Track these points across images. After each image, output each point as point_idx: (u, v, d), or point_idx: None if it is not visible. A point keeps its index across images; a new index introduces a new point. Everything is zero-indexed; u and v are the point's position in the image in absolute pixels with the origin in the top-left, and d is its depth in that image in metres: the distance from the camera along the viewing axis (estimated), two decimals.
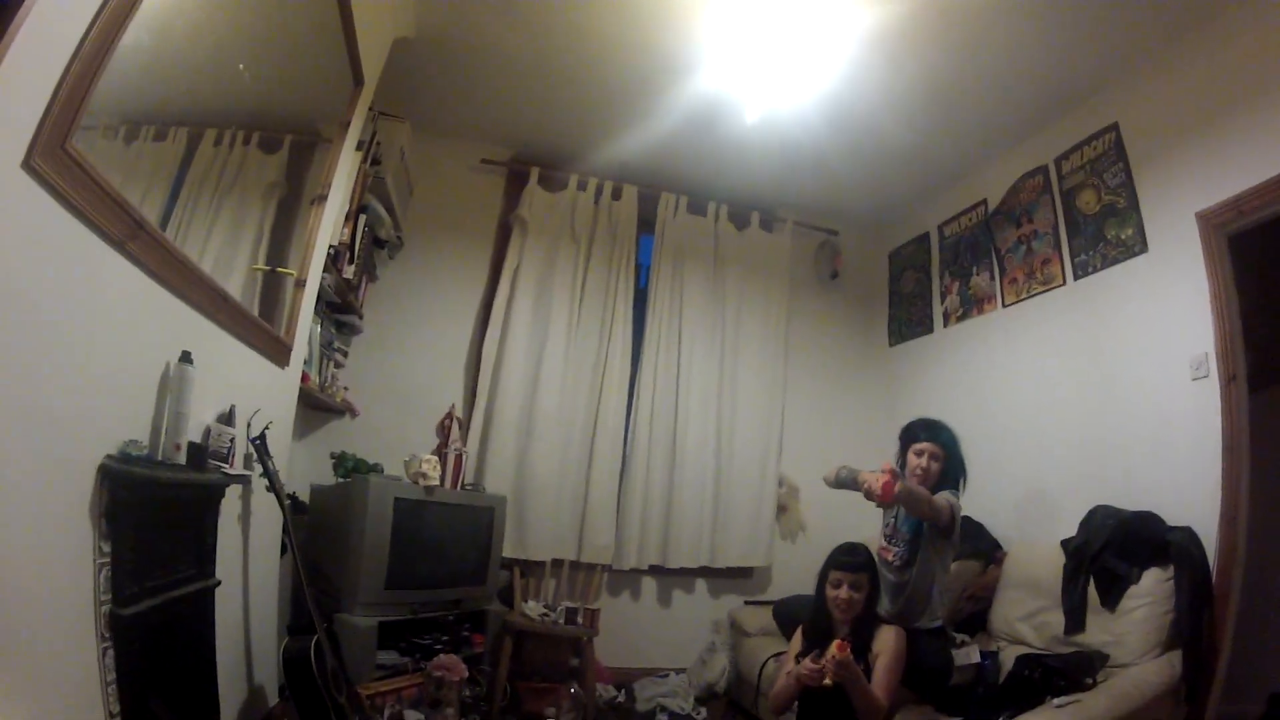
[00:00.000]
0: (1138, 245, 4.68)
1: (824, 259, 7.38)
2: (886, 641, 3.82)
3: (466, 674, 3.97)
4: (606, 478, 6.29)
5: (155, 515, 2.48)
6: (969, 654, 4.32)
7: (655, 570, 6.43)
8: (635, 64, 5.10)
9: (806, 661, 3.61)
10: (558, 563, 6.06)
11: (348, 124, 4.32)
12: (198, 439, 2.85)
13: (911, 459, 4.58)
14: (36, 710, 1.91)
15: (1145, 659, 3.76)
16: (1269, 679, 4.68)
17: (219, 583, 3.05)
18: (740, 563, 6.56)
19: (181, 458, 2.61)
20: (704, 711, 5.52)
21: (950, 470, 4.54)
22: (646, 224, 6.83)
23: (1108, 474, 4.68)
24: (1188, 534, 3.95)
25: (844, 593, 3.84)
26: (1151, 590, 3.87)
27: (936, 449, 4.52)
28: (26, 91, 1.75)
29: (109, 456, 2.22)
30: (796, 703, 3.88)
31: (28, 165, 1.74)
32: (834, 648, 3.51)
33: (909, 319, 7.06)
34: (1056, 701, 3.41)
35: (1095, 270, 4.98)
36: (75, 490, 2.10)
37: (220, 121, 2.98)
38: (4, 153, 1.70)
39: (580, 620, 5.32)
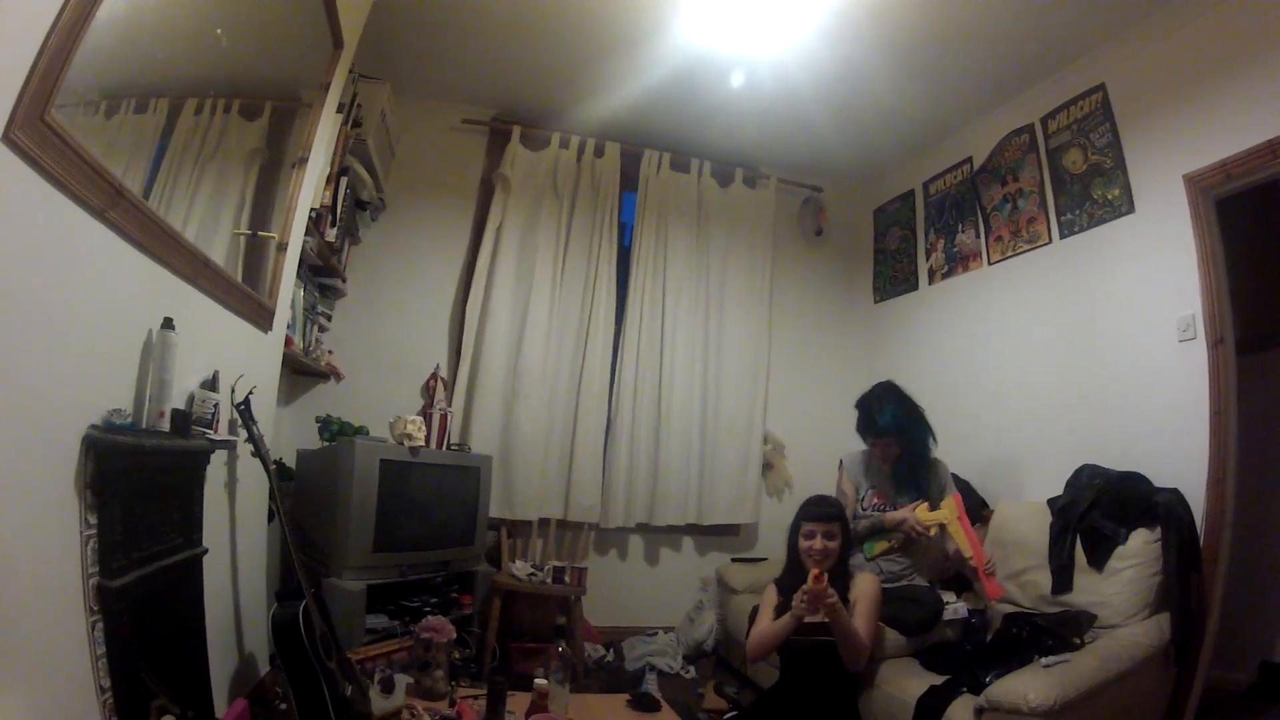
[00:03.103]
0: (1124, 205, 4.68)
1: (808, 216, 7.36)
2: (863, 588, 3.90)
3: (455, 635, 3.96)
4: (592, 436, 6.31)
5: (141, 484, 2.46)
6: (956, 609, 4.36)
7: (642, 528, 6.48)
8: (616, 19, 5.03)
9: (799, 595, 3.65)
10: (545, 522, 6.05)
11: (328, 86, 4.24)
12: (182, 406, 2.83)
13: (880, 450, 4.80)
14: (28, 686, 1.90)
15: (1133, 621, 3.80)
16: (1259, 645, 4.74)
17: (206, 551, 3.02)
18: (727, 520, 6.60)
19: (166, 425, 2.57)
20: (692, 669, 5.55)
21: (912, 443, 4.73)
22: (629, 181, 6.79)
23: (1094, 433, 4.71)
24: (1175, 495, 3.96)
25: (818, 543, 3.90)
26: (1139, 551, 3.89)
27: (889, 439, 4.70)
28: (4, 65, 1.72)
29: (93, 426, 2.19)
30: (779, 656, 3.93)
31: (6, 138, 1.71)
32: (810, 580, 3.56)
33: (894, 276, 7.05)
34: (1045, 661, 3.43)
35: (1081, 229, 4.98)
36: (60, 462, 2.07)
37: (200, 90, 2.93)
38: None
39: (568, 579, 5.34)
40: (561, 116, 6.47)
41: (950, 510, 4.36)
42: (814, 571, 3.64)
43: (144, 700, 2.36)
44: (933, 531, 4.41)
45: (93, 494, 2.19)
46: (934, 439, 4.78)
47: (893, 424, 4.67)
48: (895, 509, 4.59)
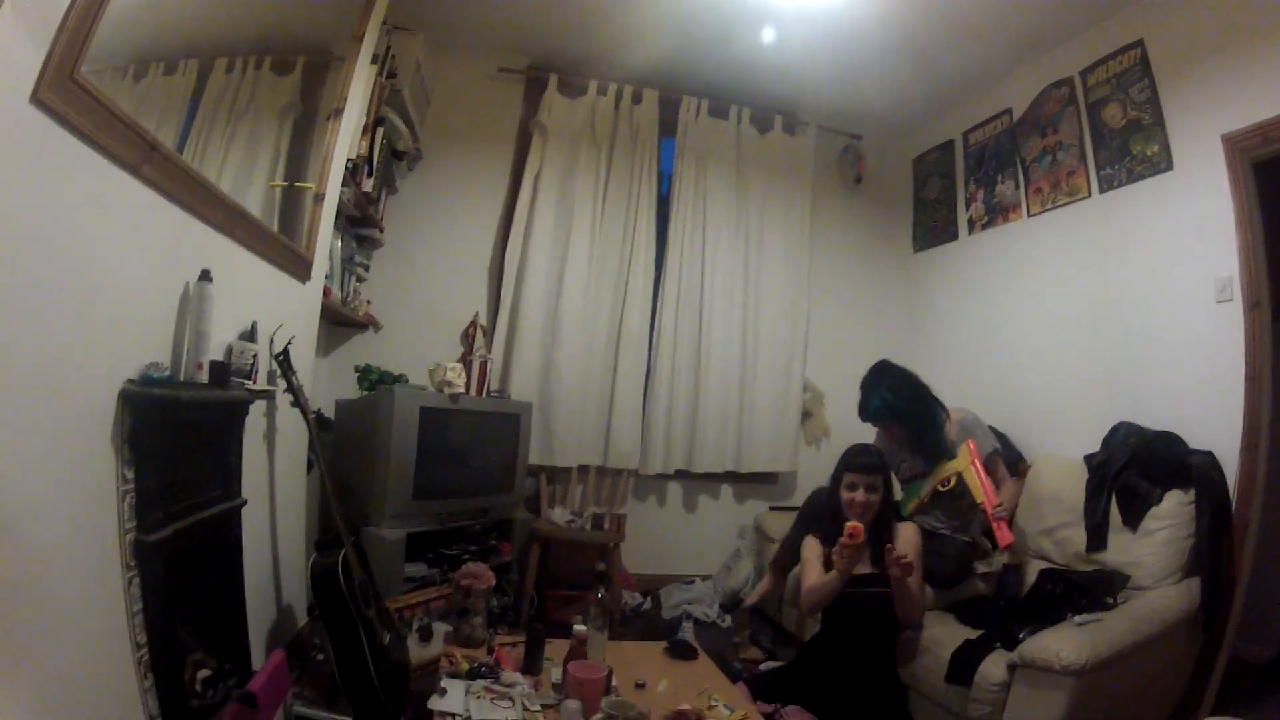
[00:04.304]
0: (1163, 162, 4.59)
1: (847, 163, 7.27)
2: (909, 541, 3.85)
3: (494, 582, 3.99)
4: (632, 383, 6.33)
5: (178, 437, 2.47)
6: (991, 562, 4.36)
7: (681, 475, 6.51)
8: None
9: (836, 551, 3.66)
10: (584, 469, 6.13)
11: (361, 38, 4.21)
12: (220, 357, 2.85)
13: (884, 432, 4.91)
14: (63, 642, 1.94)
15: (1165, 583, 3.79)
16: None
17: (245, 502, 3.06)
18: (765, 468, 6.63)
19: (204, 377, 2.60)
20: (729, 618, 5.60)
21: (911, 421, 4.72)
22: (668, 128, 6.73)
23: (1130, 391, 4.66)
24: (1209, 458, 3.93)
25: (860, 495, 3.84)
26: (1173, 513, 3.87)
27: (890, 422, 4.77)
28: (32, 26, 1.71)
29: (129, 381, 2.21)
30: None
31: (36, 99, 1.71)
32: (845, 534, 3.59)
33: (933, 225, 6.97)
34: (1078, 619, 3.43)
35: (1121, 185, 4.89)
36: (97, 418, 2.09)
37: (230, 49, 2.92)
38: (12, 89, 1.67)
39: (607, 525, 5.36)
40: (598, 63, 6.40)
41: (964, 456, 4.36)
42: (849, 525, 3.61)
43: (180, 655, 2.40)
44: (952, 482, 4.40)
45: (130, 449, 2.21)
46: (942, 409, 4.75)
47: (882, 408, 4.70)
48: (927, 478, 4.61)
